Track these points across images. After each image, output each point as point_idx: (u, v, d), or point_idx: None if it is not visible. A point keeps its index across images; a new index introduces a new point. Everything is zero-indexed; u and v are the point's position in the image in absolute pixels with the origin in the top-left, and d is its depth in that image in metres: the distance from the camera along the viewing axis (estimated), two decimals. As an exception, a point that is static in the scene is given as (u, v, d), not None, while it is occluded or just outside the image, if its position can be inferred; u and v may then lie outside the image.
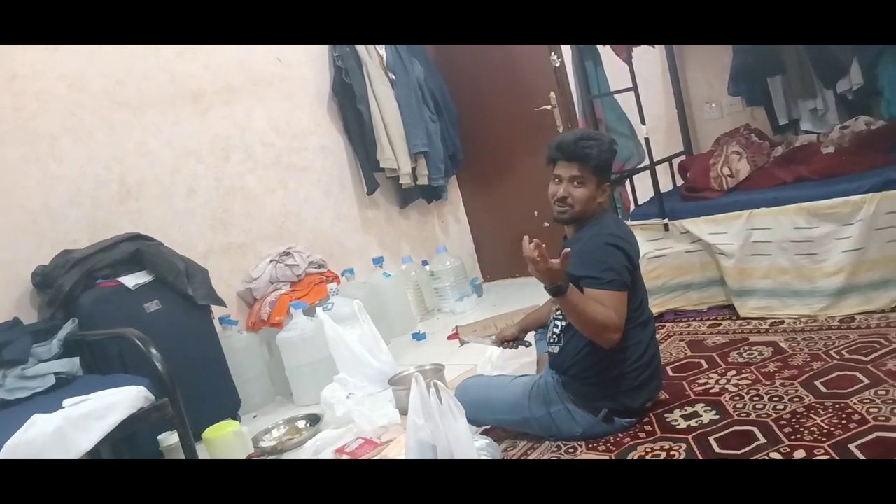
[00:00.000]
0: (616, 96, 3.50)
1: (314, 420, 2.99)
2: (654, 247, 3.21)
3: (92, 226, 3.18)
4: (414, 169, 4.29)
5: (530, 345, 2.72)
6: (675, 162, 3.69)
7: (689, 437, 2.11)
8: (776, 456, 1.88)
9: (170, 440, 2.72)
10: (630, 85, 3.25)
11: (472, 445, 2.05)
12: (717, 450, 2.01)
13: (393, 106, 4.20)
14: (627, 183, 3.56)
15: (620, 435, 2.22)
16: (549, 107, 4.28)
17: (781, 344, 2.64)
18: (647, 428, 2.23)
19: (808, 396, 2.17)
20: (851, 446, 1.83)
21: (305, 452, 2.67)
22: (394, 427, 2.64)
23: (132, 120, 3.39)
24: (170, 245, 3.21)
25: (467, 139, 4.66)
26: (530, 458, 2.24)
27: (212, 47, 3.69)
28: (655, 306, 3.08)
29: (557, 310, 2.27)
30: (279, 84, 4.03)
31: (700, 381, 2.49)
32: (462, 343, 3.36)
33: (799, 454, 1.86)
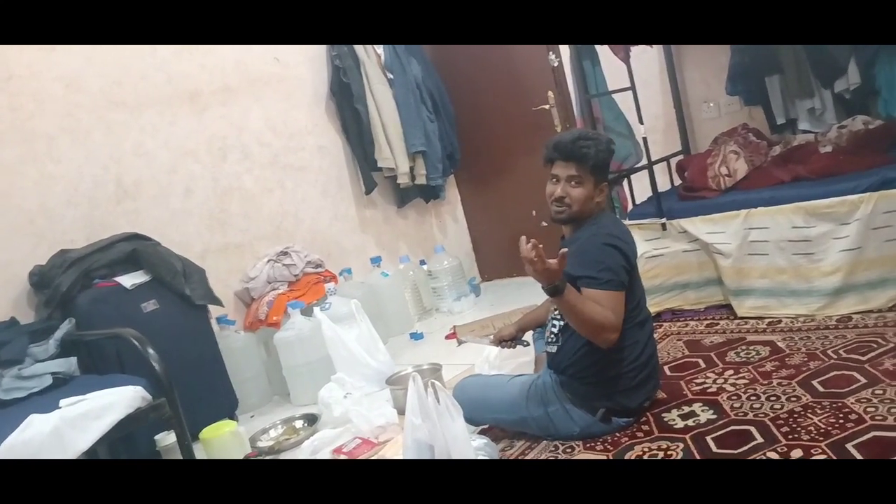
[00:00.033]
0: (614, 96, 3.50)
1: (312, 420, 2.98)
2: (651, 246, 3.21)
3: (89, 226, 3.18)
4: (412, 168, 4.29)
5: (528, 344, 2.72)
6: (673, 161, 3.69)
7: (687, 436, 2.11)
8: (773, 455, 1.88)
9: (167, 440, 2.71)
10: (628, 84, 3.25)
11: (470, 445, 2.06)
12: (714, 449, 2.01)
13: (391, 105, 4.19)
14: (625, 182, 3.57)
15: (618, 434, 2.22)
16: (546, 106, 4.28)
17: (779, 343, 2.64)
18: (645, 427, 2.23)
19: (805, 396, 2.17)
20: (849, 446, 1.83)
21: (303, 452, 2.66)
22: (391, 427, 2.64)
23: (129, 120, 3.38)
24: (167, 245, 3.20)
25: (465, 139, 4.65)
26: (528, 457, 2.24)
27: (209, 47, 3.68)
28: (653, 306, 3.08)
29: (555, 309, 2.27)
30: (276, 84, 4.03)
31: (697, 381, 2.49)
32: (460, 343, 3.35)
33: (796, 454, 1.86)
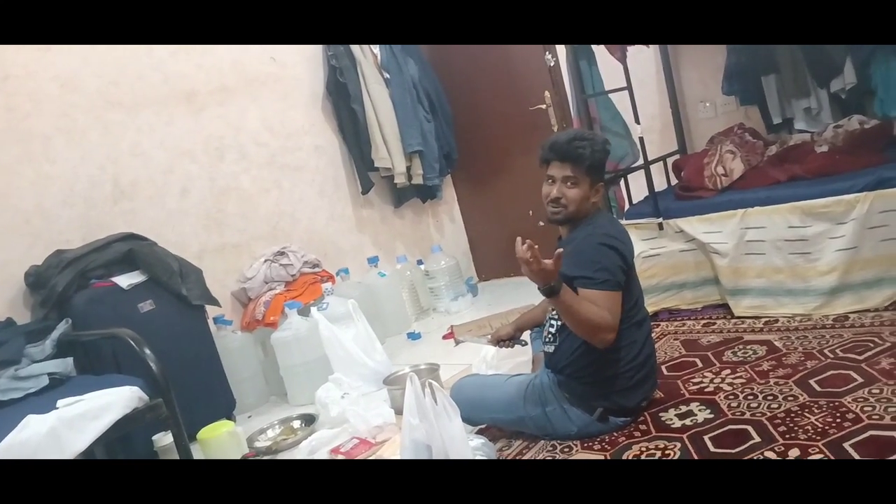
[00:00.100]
0: (610, 96, 3.50)
1: (309, 420, 2.98)
2: (648, 246, 3.21)
3: (85, 226, 3.17)
4: (408, 168, 4.29)
5: (526, 344, 2.73)
6: (670, 161, 3.70)
7: (684, 436, 2.11)
8: (771, 455, 1.89)
9: (164, 440, 2.71)
10: (624, 84, 3.25)
11: (467, 445, 2.05)
12: (711, 449, 2.01)
13: (387, 105, 4.19)
14: (622, 182, 3.57)
15: (615, 434, 2.22)
16: (543, 106, 4.28)
17: (776, 343, 2.64)
18: (642, 427, 2.23)
19: (802, 395, 2.17)
20: (846, 445, 1.84)
21: (300, 453, 2.66)
22: (389, 427, 2.64)
23: (126, 120, 3.38)
24: (164, 245, 3.20)
25: (462, 138, 4.66)
26: (525, 457, 2.24)
27: (205, 47, 3.68)
28: (650, 305, 3.08)
29: (553, 309, 2.27)
30: (273, 84, 4.02)
31: (695, 380, 2.49)
32: (457, 342, 3.36)
33: (793, 453, 1.86)
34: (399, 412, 2.38)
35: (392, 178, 4.31)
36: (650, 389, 2.33)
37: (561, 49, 3.94)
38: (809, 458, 1.82)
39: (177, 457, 2.46)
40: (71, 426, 2.15)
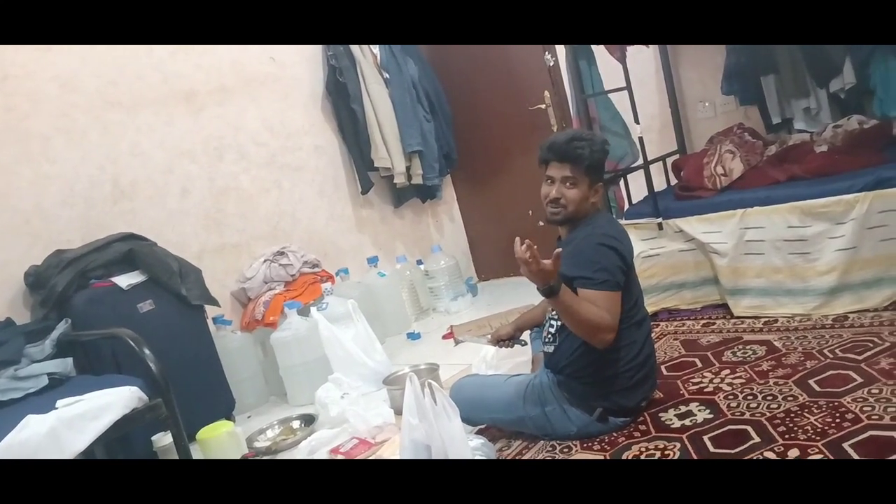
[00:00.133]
0: (610, 95, 3.50)
1: (309, 420, 2.98)
2: (647, 246, 3.21)
3: (85, 226, 3.17)
4: (408, 168, 4.29)
5: (525, 344, 2.73)
6: (669, 161, 3.70)
7: (684, 436, 2.11)
8: (770, 455, 1.88)
9: (164, 441, 2.71)
10: (624, 84, 3.25)
11: (467, 445, 2.05)
12: (711, 449, 2.01)
13: (387, 105, 4.19)
14: (621, 182, 3.57)
15: (615, 434, 2.22)
16: (543, 106, 4.28)
17: (775, 343, 2.64)
18: (642, 427, 2.24)
19: (801, 395, 2.17)
20: (845, 445, 1.84)
21: (300, 453, 2.66)
22: (388, 427, 2.64)
23: (125, 120, 3.38)
24: (163, 245, 3.20)
25: (462, 138, 4.66)
26: (525, 457, 2.24)
27: (205, 47, 3.68)
28: (649, 305, 3.08)
29: (552, 309, 2.27)
30: (273, 84, 4.02)
31: (694, 380, 2.49)
32: (457, 342, 3.36)
33: (793, 453, 1.86)
34: (399, 412, 2.38)
35: (392, 178, 4.31)
36: (650, 389, 2.33)
37: (560, 49, 3.94)
38: (809, 458, 1.82)
39: (176, 457, 2.47)
40: (70, 426, 2.15)
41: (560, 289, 2.00)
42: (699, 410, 2.25)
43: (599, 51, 3.47)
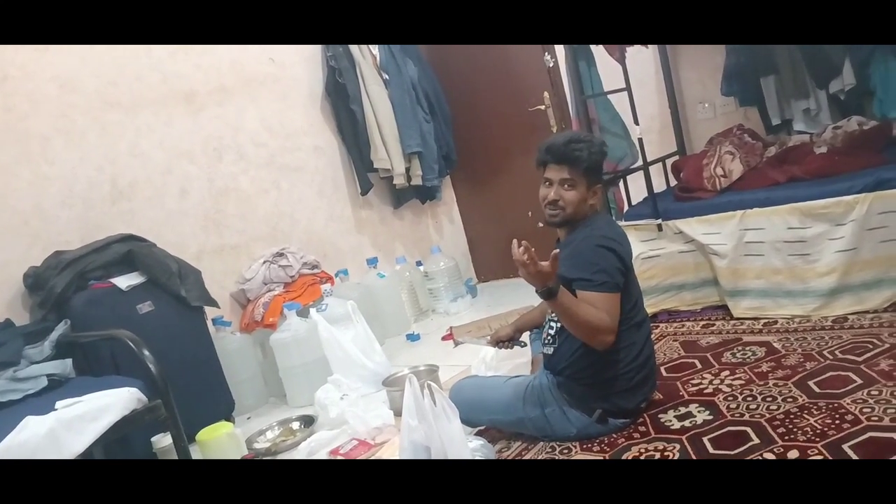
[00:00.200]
0: (609, 96, 3.51)
1: (308, 421, 2.98)
2: (647, 247, 3.21)
3: (84, 227, 3.17)
4: (408, 169, 4.29)
5: (525, 345, 2.73)
6: (669, 162, 3.70)
7: (683, 437, 2.11)
8: (770, 456, 1.88)
9: (163, 442, 2.71)
10: (623, 85, 3.25)
11: (466, 446, 2.05)
12: (710, 450, 2.01)
13: (386, 106, 4.19)
14: (621, 183, 3.57)
15: (615, 435, 2.22)
16: (542, 107, 4.28)
17: (775, 344, 2.64)
18: (642, 428, 2.23)
19: (801, 396, 2.17)
20: (845, 446, 1.84)
21: (299, 454, 2.66)
22: (388, 428, 2.64)
23: (124, 121, 3.37)
24: (162, 246, 3.20)
25: (461, 139, 4.66)
26: (524, 458, 2.24)
27: (204, 47, 3.68)
28: (649, 307, 3.08)
29: (552, 311, 2.27)
30: (272, 84, 4.02)
31: (694, 382, 2.49)
32: (456, 344, 3.35)
33: (792, 454, 1.86)
34: (398, 413, 2.38)
35: (391, 179, 4.31)
36: (649, 391, 2.33)
37: (560, 50, 3.95)
38: (808, 459, 1.82)
39: (176, 458, 2.46)
40: (70, 427, 2.14)
41: (559, 291, 2.00)
42: (699, 412, 2.25)
43: (599, 52, 3.47)
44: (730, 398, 2.29)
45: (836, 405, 2.06)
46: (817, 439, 1.90)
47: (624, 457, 2.09)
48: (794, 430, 1.98)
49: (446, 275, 4.37)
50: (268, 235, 3.89)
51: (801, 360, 2.44)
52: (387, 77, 4.23)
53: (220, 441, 2.72)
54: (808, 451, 1.86)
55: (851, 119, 3.15)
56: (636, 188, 3.54)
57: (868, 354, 2.35)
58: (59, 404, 2.20)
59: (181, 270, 3.10)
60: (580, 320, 2.05)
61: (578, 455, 2.18)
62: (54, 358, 2.65)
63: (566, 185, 2.23)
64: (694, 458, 1.98)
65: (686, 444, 2.07)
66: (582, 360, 2.18)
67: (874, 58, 3.04)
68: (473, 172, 4.83)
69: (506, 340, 2.68)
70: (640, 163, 3.35)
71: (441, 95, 4.54)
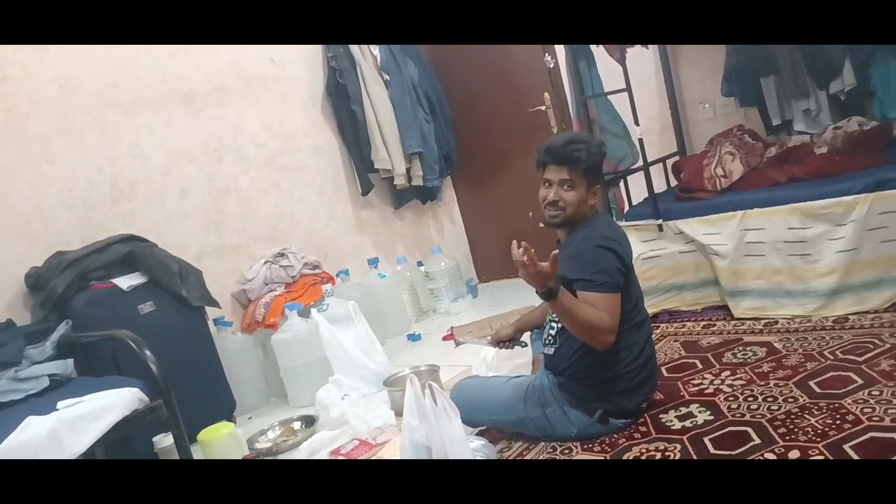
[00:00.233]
0: (610, 97, 3.51)
1: (309, 421, 2.98)
2: (648, 247, 3.21)
3: (85, 227, 3.17)
4: (408, 170, 4.29)
5: (526, 345, 2.73)
6: (669, 163, 3.70)
7: (684, 437, 2.11)
8: (771, 456, 1.88)
9: (164, 442, 2.71)
10: (624, 86, 3.25)
11: (467, 447, 2.05)
12: (711, 450, 2.01)
13: (387, 106, 4.19)
14: (621, 184, 3.57)
15: (616, 436, 2.22)
16: (543, 107, 4.29)
17: (775, 344, 2.64)
18: (642, 429, 2.23)
19: (802, 397, 2.17)
20: (846, 447, 1.84)
21: (300, 454, 2.66)
22: (389, 428, 2.64)
23: (124, 121, 3.37)
24: (163, 246, 3.20)
25: (462, 140, 4.66)
26: (526, 459, 2.24)
27: (204, 48, 3.68)
28: (650, 307, 3.08)
29: (552, 311, 2.27)
30: (272, 84, 4.02)
31: (694, 382, 2.49)
32: (457, 344, 3.35)
33: (793, 454, 1.86)
34: (399, 414, 2.38)
35: (392, 180, 4.31)
36: (650, 391, 2.33)
37: (560, 50, 3.95)
38: (809, 458, 1.83)
39: (177, 458, 2.46)
40: (71, 428, 2.15)
41: (559, 291, 2.00)
42: (700, 412, 2.25)
43: (599, 52, 3.47)
44: (731, 398, 2.29)
45: (836, 405, 2.06)
46: (818, 439, 1.90)
47: (625, 457, 2.10)
48: (795, 430, 1.98)
49: (447, 275, 4.37)
50: (268, 236, 3.89)
51: (802, 360, 2.44)
52: (387, 77, 4.23)
53: (221, 441, 2.72)
54: (809, 452, 1.86)
55: (852, 119, 3.15)
56: (637, 188, 3.54)
57: (869, 354, 2.35)
58: (60, 404, 2.20)
59: (182, 271, 3.10)
60: (580, 321, 2.05)
61: (579, 455, 2.18)
62: (56, 358, 2.65)
63: (566, 186, 2.23)
64: (695, 458, 1.98)
65: (687, 444, 2.07)
66: (583, 361, 2.18)
67: (874, 58, 3.04)
68: (474, 173, 4.83)
69: (507, 341, 2.68)
70: (640, 163, 3.35)
71: (442, 96, 4.54)
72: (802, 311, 2.84)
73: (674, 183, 3.60)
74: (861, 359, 2.33)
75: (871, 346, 2.41)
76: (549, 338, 2.31)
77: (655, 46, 3.77)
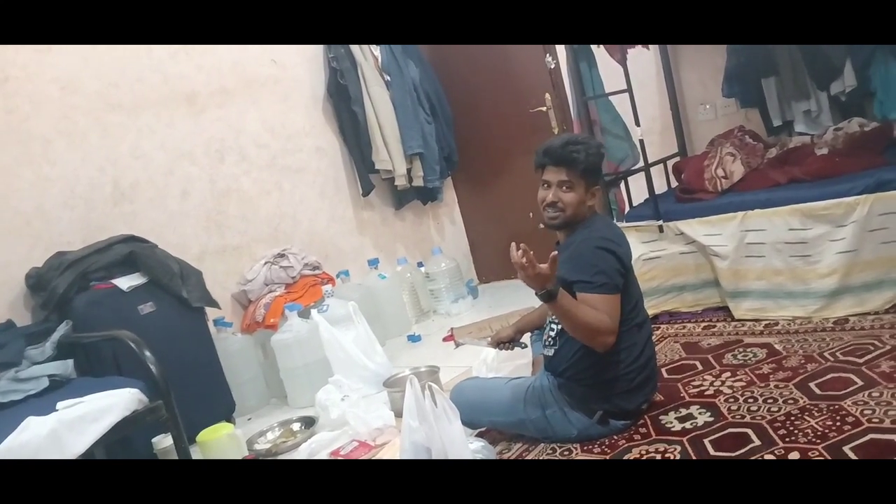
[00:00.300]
0: (611, 98, 3.51)
1: (309, 422, 2.98)
2: (648, 248, 3.21)
3: (86, 228, 3.17)
4: (409, 170, 4.29)
5: (526, 346, 2.73)
6: (670, 163, 3.70)
7: (684, 439, 2.11)
8: (770, 458, 1.88)
9: (164, 443, 2.71)
10: (625, 86, 3.25)
11: (467, 448, 2.06)
12: (711, 452, 2.01)
13: (388, 107, 4.19)
14: (622, 184, 3.57)
15: (615, 437, 2.22)
16: (544, 108, 4.29)
17: (776, 345, 2.64)
18: (642, 430, 2.23)
19: (802, 398, 2.17)
20: (845, 448, 1.84)
21: (300, 455, 2.66)
22: (389, 429, 2.64)
23: (126, 122, 3.38)
24: (164, 247, 3.20)
25: (462, 140, 4.66)
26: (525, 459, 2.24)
27: (205, 49, 3.68)
28: (650, 308, 3.07)
29: (552, 313, 2.27)
30: (273, 85, 4.02)
31: (695, 383, 2.49)
32: (457, 345, 3.36)
33: (793, 456, 1.86)
34: (399, 415, 2.38)
35: (393, 180, 4.31)
36: (650, 392, 2.33)
37: (561, 51, 3.94)
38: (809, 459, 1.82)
39: (176, 459, 2.46)
40: (71, 428, 2.15)
41: (558, 293, 2.00)
42: (700, 413, 2.25)
43: (600, 53, 3.47)
44: (731, 400, 2.29)
45: (836, 407, 2.05)
46: (818, 441, 1.90)
47: (625, 458, 2.09)
48: (795, 431, 1.98)
49: (447, 276, 4.37)
50: (269, 236, 3.89)
51: (802, 361, 2.44)
52: (388, 78, 4.23)
53: (220, 442, 2.72)
54: (809, 453, 1.86)
55: (852, 120, 3.15)
56: (637, 189, 3.54)
57: (869, 356, 2.34)
58: (60, 405, 2.21)
59: (182, 271, 3.10)
60: (580, 322, 2.05)
61: (579, 456, 2.18)
62: (56, 358, 2.65)
63: (564, 187, 2.23)
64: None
65: (687, 445, 2.07)
66: (583, 362, 2.18)
67: (875, 59, 3.04)
68: (475, 174, 4.83)
69: (507, 342, 2.68)
70: (641, 164, 3.35)
71: (443, 97, 4.54)
72: (803, 312, 2.84)
73: (674, 184, 3.60)
74: (861, 360, 2.33)
75: (872, 348, 2.40)
76: (549, 339, 2.31)
77: (656, 47, 3.78)
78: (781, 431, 2.00)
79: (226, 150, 3.76)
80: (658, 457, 2.05)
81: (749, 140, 3.36)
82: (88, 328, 2.77)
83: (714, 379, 2.48)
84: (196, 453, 2.66)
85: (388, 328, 4.00)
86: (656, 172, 3.51)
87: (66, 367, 2.61)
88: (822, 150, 3.08)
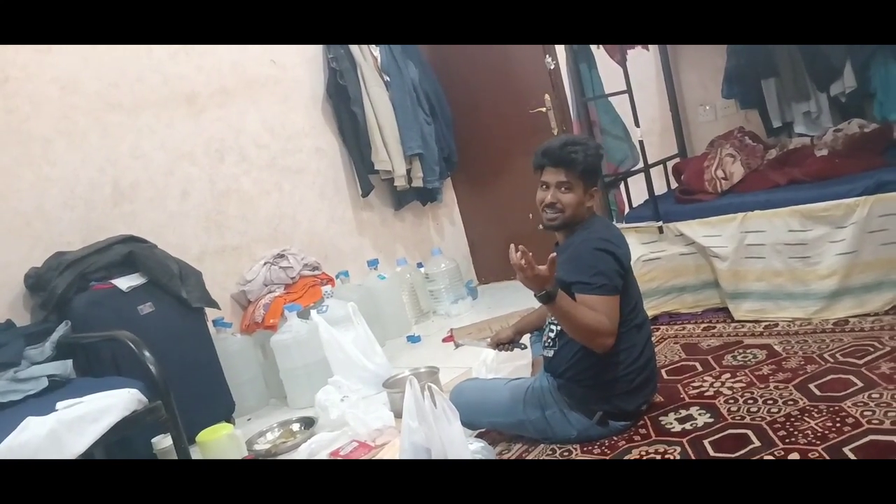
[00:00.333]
0: (611, 99, 3.51)
1: (309, 423, 2.98)
2: (648, 249, 3.21)
3: (85, 228, 3.17)
4: (409, 171, 4.29)
5: (525, 347, 2.73)
6: (670, 164, 3.70)
7: (684, 440, 2.11)
8: (770, 459, 1.88)
9: (163, 443, 2.71)
10: (624, 87, 3.25)
11: (467, 448, 2.05)
12: (711, 453, 2.01)
13: (387, 108, 4.19)
14: (622, 185, 3.57)
15: (615, 438, 2.22)
16: (543, 109, 4.28)
17: (775, 347, 2.64)
18: (642, 431, 2.23)
19: (802, 399, 2.17)
20: (845, 449, 1.84)
21: (300, 455, 2.66)
22: (388, 430, 2.64)
23: (126, 122, 3.38)
24: (164, 247, 3.20)
25: (462, 141, 4.66)
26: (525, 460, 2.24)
27: (205, 49, 3.68)
28: (650, 309, 3.07)
29: (551, 314, 2.27)
30: (273, 86, 4.02)
31: (694, 384, 2.49)
32: (457, 345, 3.36)
33: (793, 457, 1.86)
34: (398, 415, 2.38)
35: (392, 181, 4.31)
36: (650, 393, 2.33)
37: (561, 52, 3.94)
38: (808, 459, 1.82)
39: (176, 459, 2.46)
40: (70, 428, 2.15)
41: (557, 294, 2.00)
42: (699, 414, 2.25)
43: (600, 54, 3.47)
44: (730, 401, 2.29)
45: (836, 408, 2.05)
46: (818, 442, 1.90)
47: (624, 459, 2.09)
48: (795, 432, 1.98)
49: (447, 276, 4.37)
50: (269, 237, 3.89)
51: (802, 362, 2.44)
52: (388, 79, 4.23)
53: (220, 442, 2.72)
54: (809, 454, 1.86)
55: (852, 122, 3.15)
56: (637, 190, 3.54)
57: (869, 357, 2.35)
58: (59, 405, 2.20)
59: (182, 272, 3.10)
60: (579, 324, 2.05)
61: (579, 457, 2.17)
62: (55, 359, 2.65)
63: (563, 188, 2.24)
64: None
65: (687, 446, 2.07)
66: (582, 363, 2.18)
67: (875, 60, 3.04)
68: (474, 174, 4.83)
69: (506, 343, 2.68)
70: (640, 165, 3.35)
71: (442, 97, 4.54)
72: (803, 313, 2.84)
73: (674, 185, 3.60)
74: (861, 361, 2.33)
75: (871, 349, 2.41)
76: (549, 340, 2.31)
77: (656, 48, 3.78)
78: (781, 432, 2.00)
79: (225, 151, 3.76)
80: (658, 457, 2.05)
81: (749, 141, 3.36)
82: (88, 328, 2.77)
83: (714, 380, 2.48)
84: (196, 454, 2.66)
85: (388, 329, 4.00)
86: (656, 173, 3.51)
87: (65, 367, 2.61)
88: (822, 151, 3.09)
